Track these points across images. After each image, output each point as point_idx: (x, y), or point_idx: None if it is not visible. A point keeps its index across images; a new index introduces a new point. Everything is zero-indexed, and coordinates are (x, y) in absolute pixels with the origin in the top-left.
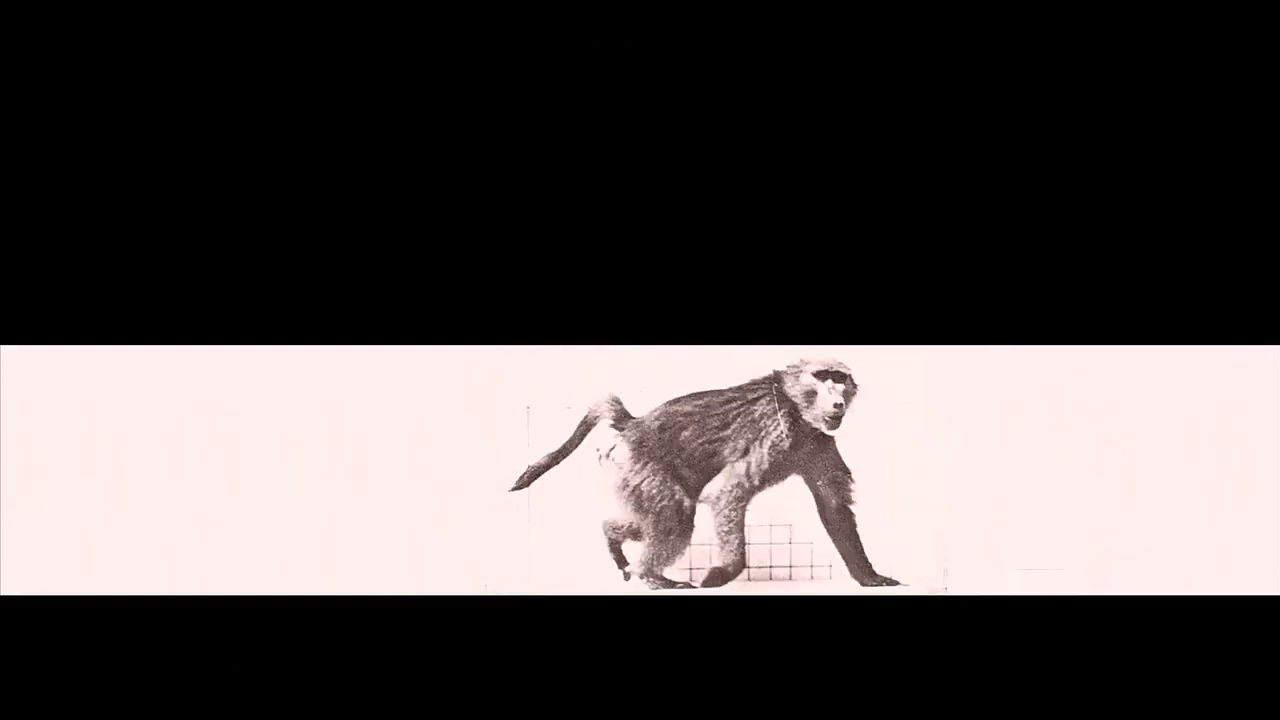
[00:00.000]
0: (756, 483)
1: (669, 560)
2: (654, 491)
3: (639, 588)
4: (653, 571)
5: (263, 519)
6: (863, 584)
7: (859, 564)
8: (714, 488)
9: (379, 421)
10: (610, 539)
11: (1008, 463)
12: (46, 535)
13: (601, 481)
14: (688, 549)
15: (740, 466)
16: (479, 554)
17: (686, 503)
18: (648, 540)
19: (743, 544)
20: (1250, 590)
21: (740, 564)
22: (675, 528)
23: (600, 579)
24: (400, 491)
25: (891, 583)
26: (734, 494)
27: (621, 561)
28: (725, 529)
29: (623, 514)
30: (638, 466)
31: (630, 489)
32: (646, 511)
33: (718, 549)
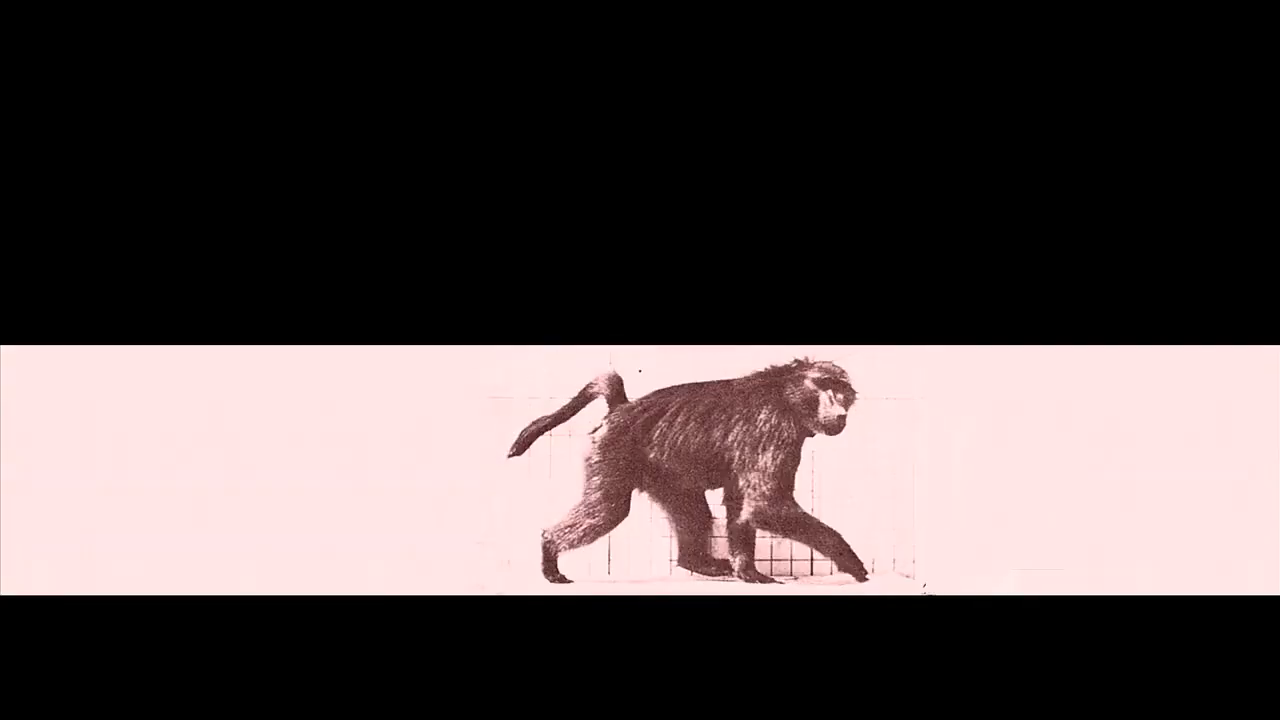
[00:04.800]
0: (780, 478)
1: (574, 541)
2: (606, 479)
3: (641, 588)
4: (555, 541)
5: (262, 519)
6: (860, 580)
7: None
8: (753, 509)
9: (378, 421)
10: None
11: (1006, 463)
12: (46, 535)
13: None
14: (595, 542)
15: (758, 478)
16: (479, 554)
17: (626, 503)
18: (572, 510)
19: (820, 528)
20: (1250, 590)
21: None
22: (601, 518)
23: (600, 579)
24: (400, 491)
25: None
26: (772, 500)
27: (554, 572)
28: (790, 528)
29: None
30: (608, 452)
31: (591, 465)
32: (588, 490)
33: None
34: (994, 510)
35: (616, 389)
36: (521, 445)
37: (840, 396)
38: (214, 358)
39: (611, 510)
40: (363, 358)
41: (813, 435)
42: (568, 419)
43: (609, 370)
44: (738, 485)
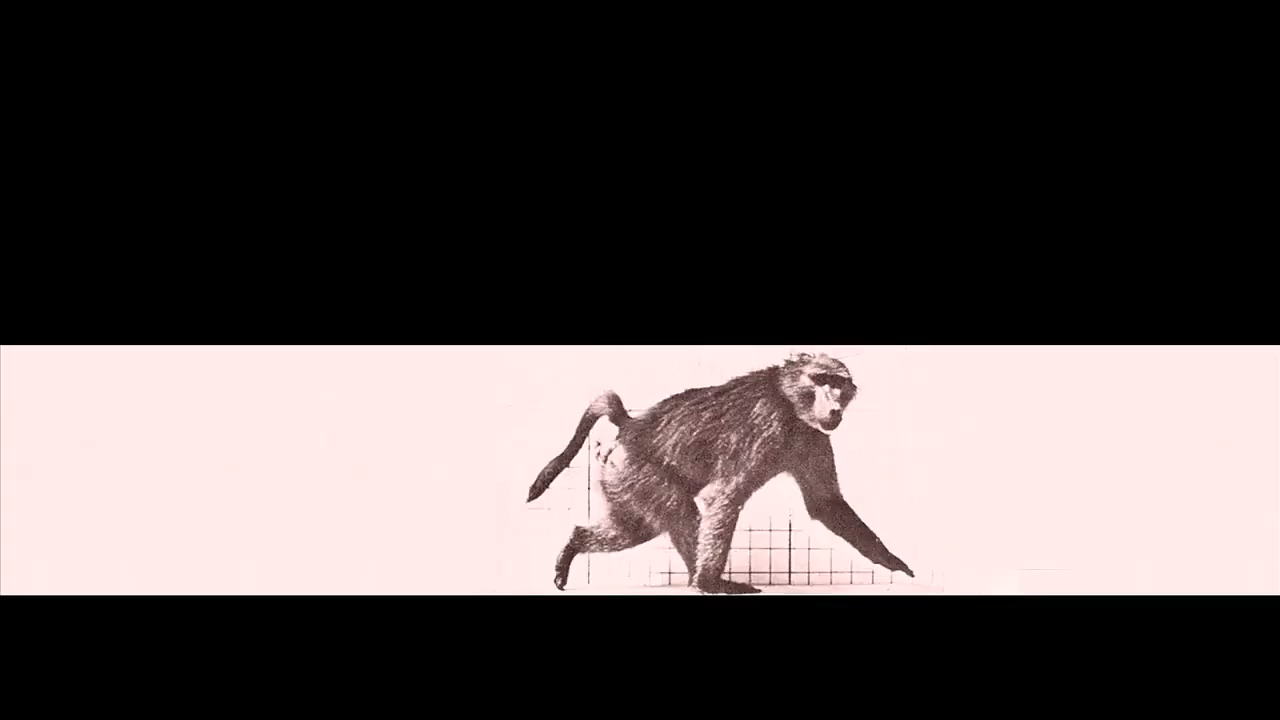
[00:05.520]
0: (750, 477)
1: (603, 549)
2: (652, 486)
3: (641, 588)
4: (584, 543)
5: (263, 519)
6: (890, 569)
7: (879, 550)
8: (711, 490)
9: (379, 421)
10: (571, 544)
11: (1006, 463)
12: (46, 535)
13: (597, 481)
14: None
15: (733, 465)
16: (479, 554)
17: (684, 498)
18: (670, 532)
19: (728, 550)
20: (1250, 590)
21: (720, 569)
22: (682, 512)
23: (601, 579)
24: (400, 491)
25: (909, 571)
26: (730, 496)
27: (564, 571)
28: (716, 531)
29: (611, 519)
30: (634, 469)
31: (634, 488)
32: (649, 506)
33: (700, 549)
34: (994, 510)
35: (618, 407)
36: (538, 489)
37: (837, 392)
38: (214, 358)
39: (638, 531)
40: (365, 358)
41: (806, 430)
42: (578, 452)
43: (606, 390)
44: (716, 468)
